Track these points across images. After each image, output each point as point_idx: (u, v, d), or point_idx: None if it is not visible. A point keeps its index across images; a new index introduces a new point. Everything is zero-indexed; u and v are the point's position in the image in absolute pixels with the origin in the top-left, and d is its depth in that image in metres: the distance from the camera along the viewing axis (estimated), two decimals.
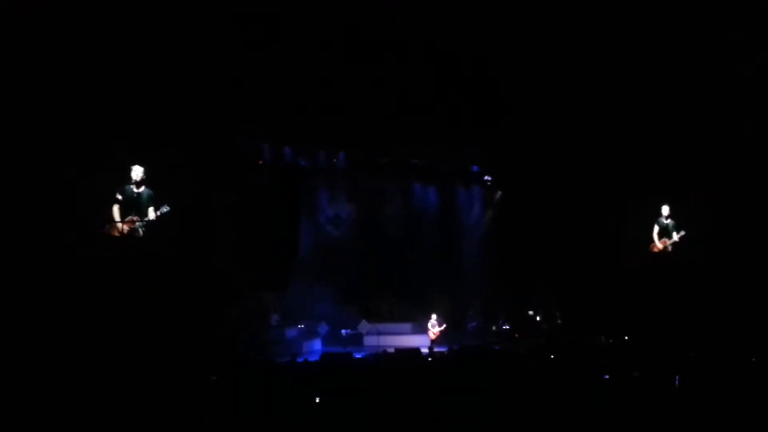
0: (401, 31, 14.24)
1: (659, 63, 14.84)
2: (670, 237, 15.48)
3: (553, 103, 16.44)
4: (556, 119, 16.92)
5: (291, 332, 18.62)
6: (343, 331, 19.81)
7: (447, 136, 17.94)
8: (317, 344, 19.07)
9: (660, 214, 15.75)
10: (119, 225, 12.29)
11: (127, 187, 12.44)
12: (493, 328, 20.13)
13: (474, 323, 21.16)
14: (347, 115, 16.58)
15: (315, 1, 13.49)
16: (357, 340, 19.55)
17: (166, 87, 13.28)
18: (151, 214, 12.41)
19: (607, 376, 8.76)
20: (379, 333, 19.26)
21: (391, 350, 13.05)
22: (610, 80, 15.51)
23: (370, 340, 19.27)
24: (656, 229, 15.73)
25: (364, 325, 19.48)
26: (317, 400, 7.50)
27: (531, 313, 19.92)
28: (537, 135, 17.62)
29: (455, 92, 16.20)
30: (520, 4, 13.94)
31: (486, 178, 22.75)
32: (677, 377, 8.60)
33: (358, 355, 12.33)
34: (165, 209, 12.39)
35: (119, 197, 12.39)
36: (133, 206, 12.37)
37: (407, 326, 20.84)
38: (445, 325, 18.75)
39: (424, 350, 13.67)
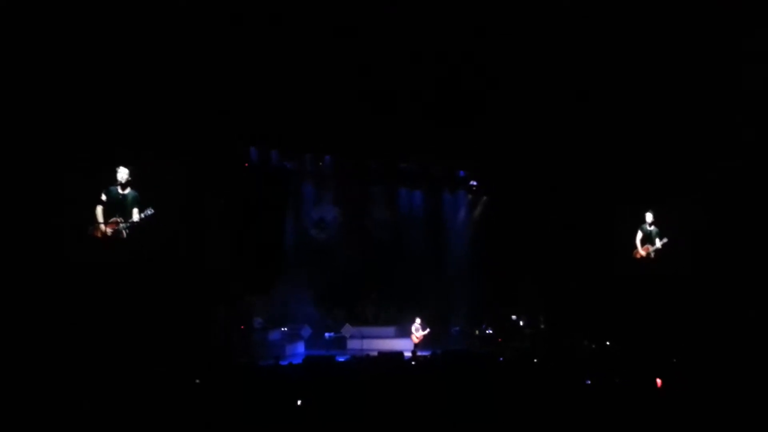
0: (388, 34, 14.23)
1: (646, 71, 14.89)
2: (653, 244, 15.61)
3: (540, 109, 16.46)
4: (543, 125, 16.95)
5: (274, 335, 18.61)
6: (327, 335, 19.81)
7: (433, 140, 17.94)
8: (301, 347, 19.06)
9: (644, 221, 15.88)
10: (102, 226, 12.27)
11: (111, 188, 12.43)
12: (477, 332, 20.16)
13: (457, 327, 21.20)
14: (333, 119, 16.55)
15: (303, 4, 13.47)
16: (340, 343, 19.54)
17: (152, 89, 13.23)
18: (136, 215, 12.39)
19: (589, 381, 8.81)
20: (363, 336, 19.27)
21: (375, 354, 13.06)
22: (597, 87, 15.55)
23: (353, 344, 19.27)
24: (639, 235, 15.87)
25: (347, 329, 19.49)
26: (299, 403, 7.51)
27: (514, 317, 19.96)
28: (523, 140, 17.64)
29: (442, 97, 16.20)
30: (509, 8, 13.95)
31: (472, 183, 22.79)
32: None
33: (341, 359, 12.33)
34: (149, 212, 12.39)
35: (103, 198, 12.36)
36: (117, 207, 12.36)
37: (391, 330, 20.84)
38: (428, 329, 18.78)
39: (408, 354, 13.68)
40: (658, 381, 8.39)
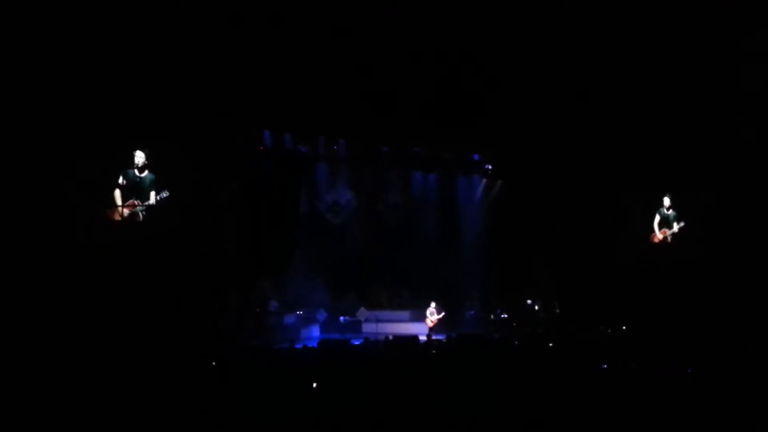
0: (401, 21, 14.20)
1: (660, 56, 14.80)
2: (670, 227, 15.56)
3: (554, 93, 16.39)
4: (558, 109, 16.88)
5: (290, 319, 18.66)
6: (342, 318, 19.85)
7: (448, 125, 17.87)
8: (316, 331, 19.11)
9: (661, 205, 15.82)
10: (120, 209, 12.35)
11: (129, 170, 12.51)
12: (491, 316, 20.14)
13: (472, 312, 21.19)
14: (346, 103, 16.52)
15: None
16: (355, 327, 19.57)
17: (168, 74, 13.26)
18: (152, 198, 12.48)
19: (605, 366, 8.79)
20: (378, 320, 19.28)
21: (390, 337, 13.08)
22: (611, 72, 15.47)
23: (368, 327, 19.27)
24: (657, 218, 15.81)
25: (362, 312, 19.52)
26: (315, 386, 7.53)
27: (529, 302, 19.92)
28: (538, 124, 17.57)
29: (457, 82, 16.16)
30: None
31: (487, 167, 22.70)
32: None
33: (356, 342, 12.35)
34: (164, 194, 12.46)
35: (122, 181, 12.45)
36: (135, 190, 12.45)
37: (406, 314, 20.86)
38: (443, 313, 18.79)
39: (423, 338, 13.68)
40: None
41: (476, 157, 22.48)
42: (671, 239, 15.55)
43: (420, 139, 20.07)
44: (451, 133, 18.62)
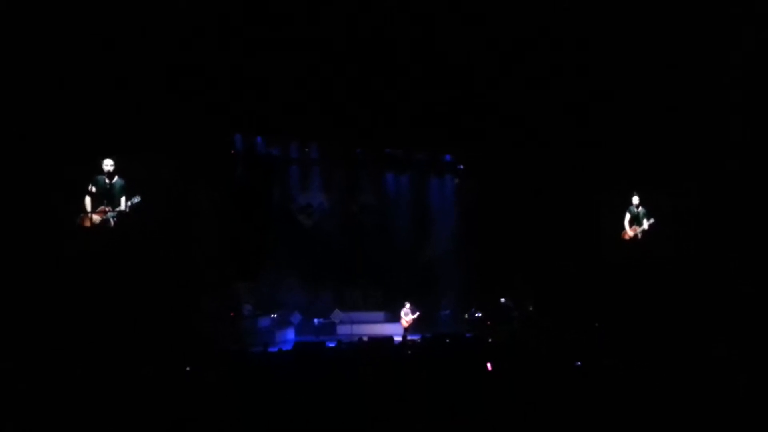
0: (375, 24, 14.21)
1: (630, 56, 14.95)
2: (640, 224, 15.72)
3: (525, 94, 16.49)
4: (530, 109, 16.97)
5: (264, 322, 18.59)
6: (316, 321, 19.81)
7: (420, 126, 17.91)
8: (290, 334, 19.06)
9: (631, 203, 15.99)
10: (90, 215, 12.24)
11: (98, 177, 12.39)
12: (466, 315, 20.22)
13: (447, 311, 21.27)
14: (319, 105, 16.50)
15: None
16: (330, 329, 19.55)
17: (137, 78, 13.16)
18: (123, 204, 12.38)
19: (579, 363, 8.86)
20: (353, 322, 19.29)
21: (365, 339, 13.09)
22: (583, 73, 15.60)
23: (343, 329, 19.29)
24: (627, 216, 15.97)
25: (337, 314, 19.51)
26: (289, 389, 7.51)
27: (503, 300, 20.02)
28: (510, 124, 17.66)
29: (429, 84, 16.20)
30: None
31: (459, 166, 22.79)
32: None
33: (331, 344, 12.35)
34: (136, 200, 12.37)
35: (91, 188, 12.34)
36: (105, 196, 12.33)
37: (380, 315, 20.91)
38: (418, 313, 18.82)
39: (398, 339, 13.72)
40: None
41: (448, 157, 22.55)
42: (641, 236, 15.71)
43: (394, 140, 20.09)
44: (426, 134, 18.67)
